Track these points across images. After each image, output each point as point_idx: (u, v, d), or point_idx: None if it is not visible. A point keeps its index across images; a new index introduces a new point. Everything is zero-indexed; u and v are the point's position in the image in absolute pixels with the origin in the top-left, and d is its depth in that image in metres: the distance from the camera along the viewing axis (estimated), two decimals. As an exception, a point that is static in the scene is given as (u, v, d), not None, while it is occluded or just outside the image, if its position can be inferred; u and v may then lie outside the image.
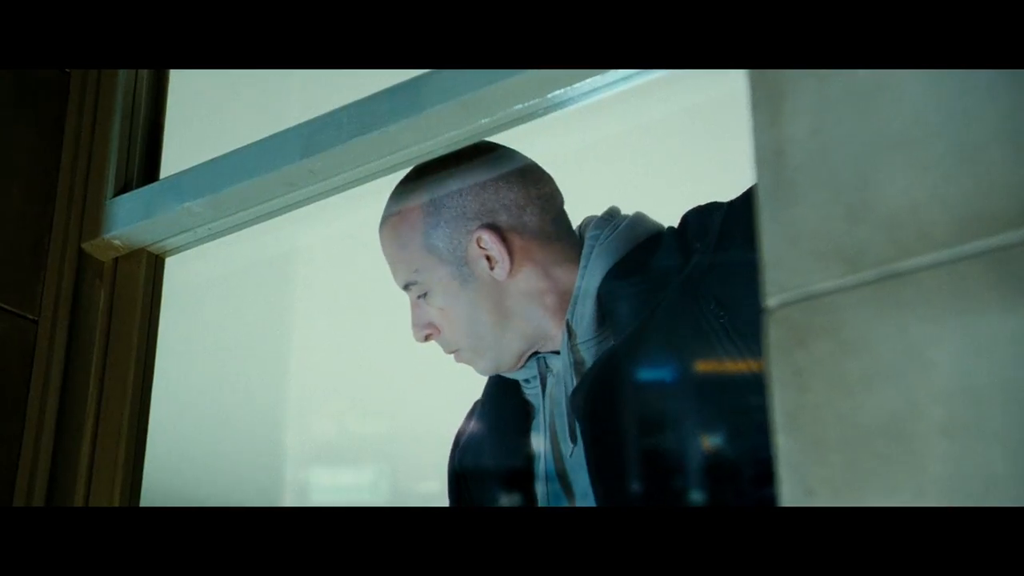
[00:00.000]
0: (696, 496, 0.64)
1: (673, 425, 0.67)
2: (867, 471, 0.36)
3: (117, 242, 0.85)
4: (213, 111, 1.14)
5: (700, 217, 0.71)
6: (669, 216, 0.76)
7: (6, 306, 0.81)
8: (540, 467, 0.76)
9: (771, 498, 0.38)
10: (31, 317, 0.83)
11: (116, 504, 0.79)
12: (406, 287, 0.78)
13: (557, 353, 0.75)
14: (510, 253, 0.74)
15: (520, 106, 0.67)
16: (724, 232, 0.67)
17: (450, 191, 0.76)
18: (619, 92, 0.66)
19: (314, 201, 0.80)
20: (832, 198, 0.40)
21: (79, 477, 0.79)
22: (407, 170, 0.79)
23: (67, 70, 0.88)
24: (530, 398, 0.79)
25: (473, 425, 0.82)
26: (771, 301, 0.40)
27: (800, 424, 0.38)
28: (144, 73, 0.90)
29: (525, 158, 0.79)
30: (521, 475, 0.76)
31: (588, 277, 0.74)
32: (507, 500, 0.77)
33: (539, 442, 0.76)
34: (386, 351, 1.44)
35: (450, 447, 0.83)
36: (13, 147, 0.85)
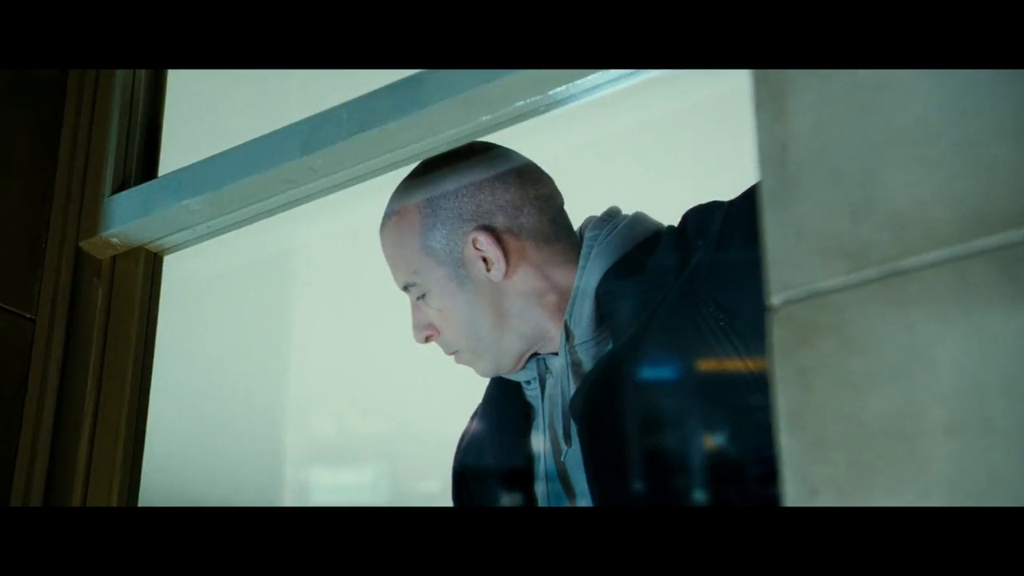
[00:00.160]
0: (696, 497, 0.64)
1: (672, 427, 0.67)
2: (871, 470, 0.36)
3: (115, 240, 0.85)
4: (212, 108, 1.14)
5: (700, 216, 0.71)
6: (671, 214, 0.76)
7: (3, 305, 0.81)
8: (540, 468, 0.75)
9: (774, 498, 0.38)
10: (28, 316, 0.83)
11: (114, 504, 0.79)
12: (405, 288, 0.78)
13: (557, 354, 0.75)
14: (506, 254, 0.74)
15: (521, 103, 0.67)
16: (724, 232, 0.67)
17: (446, 192, 0.76)
18: (621, 89, 0.66)
19: (314, 199, 0.79)
20: (836, 196, 0.39)
21: (77, 477, 0.79)
22: (408, 168, 0.78)
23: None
24: (530, 400, 0.79)
25: (475, 427, 0.82)
26: (775, 299, 0.40)
27: (804, 423, 0.38)
28: (142, 71, 0.90)
29: (522, 158, 0.79)
30: (521, 476, 0.76)
31: (587, 277, 0.74)
32: (508, 500, 0.77)
33: (539, 443, 0.76)
34: (386, 350, 1.44)
35: (454, 448, 0.83)
36: (10, 145, 0.85)
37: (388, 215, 0.79)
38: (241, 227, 0.83)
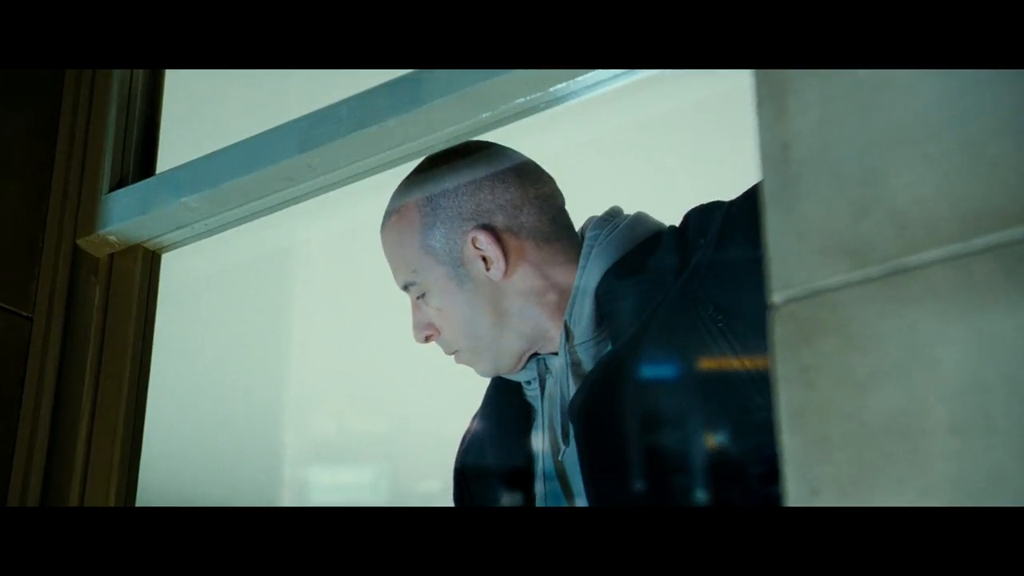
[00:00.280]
0: (695, 497, 0.64)
1: (671, 427, 0.67)
2: (874, 469, 0.36)
3: (112, 238, 0.85)
4: (210, 105, 1.13)
5: (701, 216, 0.71)
6: (672, 212, 0.75)
7: (0, 303, 0.81)
8: (539, 467, 0.75)
9: (775, 498, 0.38)
10: (25, 314, 0.83)
11: (112, 504, 0.78)
12: (405, 287, 0.78)
13: (556, 354, 0.75)
14: (506, 254, 0.74)
15: (522, 100, 0.67)
16: (724, 232, 0.67)
17: (446, 191, 0.75)
18: (622, 86, 0.66)
19: (313, 196, 0.79)
20: (838, 193, 0.39)
21: (74, 476, 0.79)
22: (407, 166, 0.78)
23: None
24: (530, 400, 0.79)
25: (476, 427, 0.82)
26: (777, 297, 0.39)
27: (806, 422, 0.38)
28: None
29: (523, 157, 0.79)
30: (522, 476, 0.76)
31: (587, 276, 0.73)
32: (508, 500, 0.77)
33: (539, 443, 0.75)
34: (386, 348, 1.44)
35: (454, 448, 0.83)
36: (7, 142, 0.85)
37: (388, 214, 0.79)
38: (239, 225, 0.83)
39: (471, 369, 0.79)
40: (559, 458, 0.73)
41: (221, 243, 0.85)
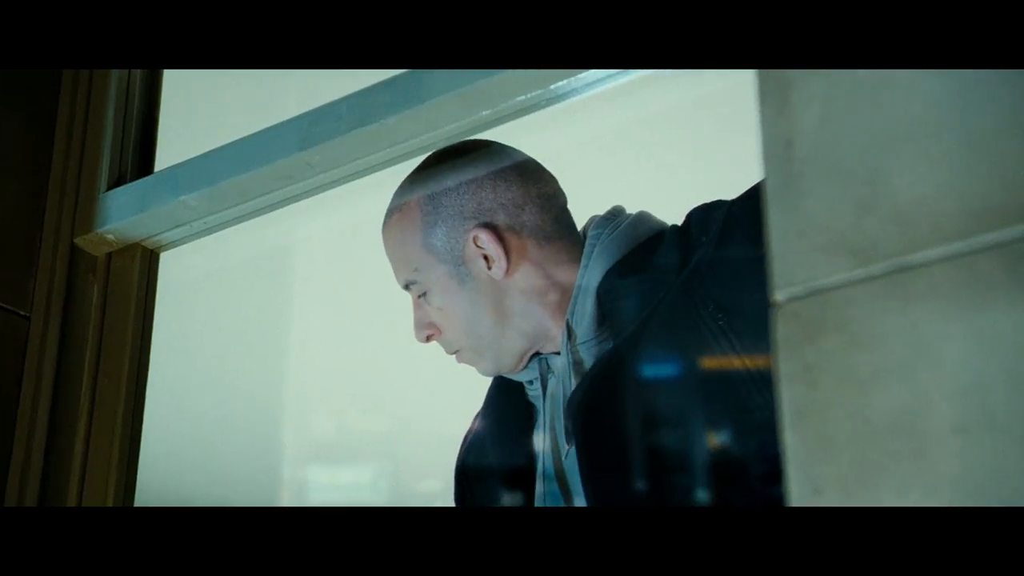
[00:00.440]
0: (696, 497, 0.64)
1: (671, 426, 0.67)
2: (877, 468, 0.36)
3: (110, 236, 0.84)
4: (209, 102, 1.13)
5: (704, 215, 0.71)
6: (673, 209, 0.75)
7: (-2, 302, 0.80)
8: (540, 467, 0.75)
9: (777, 497, 0.37)
10: (23, 313, 0.82)
11: (110, 504, 0.78)
12: (406, 286, 0.78)
13: (559, 354, 0.75)
14: (507, 252, 0.74)
15: (522, 97, 0.67)
16: (725, 231, 0.67)
17: (447, 189, 0.75)
18: (623, 83, 0.66)
19: (312, 194, 0.79)
20: (841, 190, 0.39)
21: (72, 476, 0.79)
22: (407, 164, 0.78)
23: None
24: (532, 400, 0.79)
25: (477, 426, 0.82)
26: (779, 295, 0.39)
27: (808, 421, 0.37)
28: (138, 66, 0.89)
29: (525, 156, 0.78)
30: (523, 476, 0.75)
31: (588, 275, 0.73)
32: (509, 500, 0.76)
33: (540, 442, 0.75)
34: (387, 347, 1.44)
35: (455, 447, 0.83)
36: (3, 139, 0.84)
37: (390, 212, 0.79)
38: (238, 223, 0.83)
39: (472, 369, 0.79)
40: (563, 459, 0.72)
41: (220, 241, 0.85)
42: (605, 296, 0.72)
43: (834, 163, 0.39)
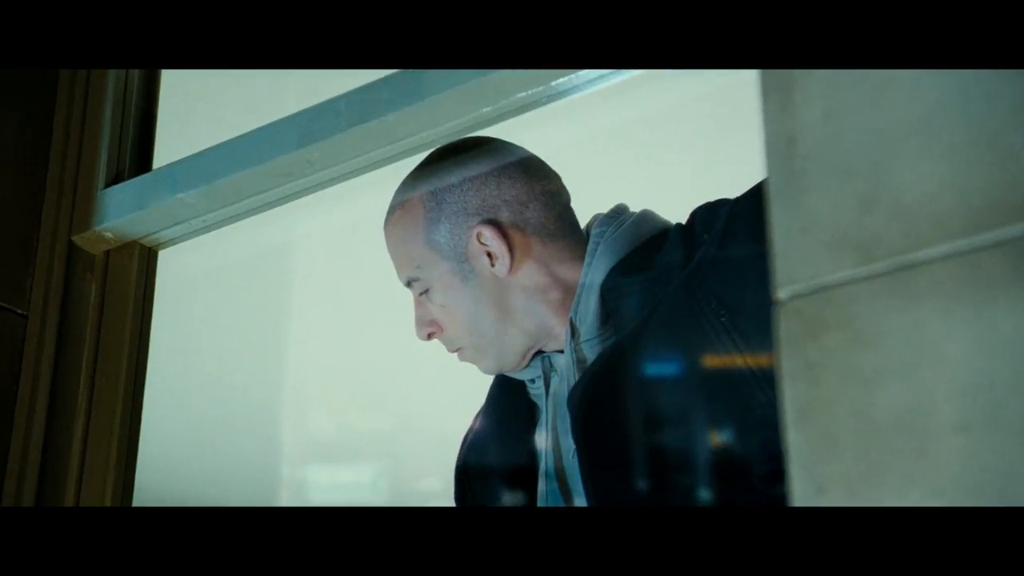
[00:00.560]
0: (697, 496, 0.63)
1: (671, 424, 0.66)
2: (881, 467, 0.35)
3: (108, 234, 0.84)
4: (207, 99, 1.12)
5: (707, 213, 0.70)
6: (675, 207, 0.75)
7: (-5, 301, 0.80)
8: (543, 466, 0.75)
9: (780, 497, 0.37)
10: (20, 312, 0.82)
11: (108, 504, 0.78)
12: (408, 283, 0.78)
13: (562, 352, 0.75)
14: (511, 249, 0.74)
15: (523, 95, 0.66)
16: (728, 228, 0.67)
17: (451, 185, 0.75)
18: (624, 80, 0.65)
19: (312, 192, 0.79)
20: (844, 187, 0.39)
21: (70, 476, 0.78)
22: (407, 161, 0.77)
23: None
24: (535, 398, 0.78)
25: (478, 425, 0.81)
26: (782, 293, 0.39)
27: (811, 419, 0.37)
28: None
29: (529, 153, 0.78)
30: (524, 475, 0.75)
31: (592, 273, 0.73)
32: (510, 500, 0.76)
33: (542, 441, 0.75)
34: (387, 345, 1.43)
35: (455, 446, 0.82)
36: (1, 136, 0.84)
37: (392, 208, 0.78)
38: (237, 221, 0.82)
39: (474, 367, 0.78)
40: (570, 458, 0.72)
41: (219, 239, 0.85)
42: (609, 294, 0.71)
43: (837, 160, 0.39)
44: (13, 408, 0.80)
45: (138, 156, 0.87)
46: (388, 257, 0.79)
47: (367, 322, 1.62)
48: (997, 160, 0.36)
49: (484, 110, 0.67)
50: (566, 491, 0.73)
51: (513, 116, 0.69)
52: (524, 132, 0.76)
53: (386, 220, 0.78)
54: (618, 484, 0.66)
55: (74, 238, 0.84)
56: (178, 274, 0.89)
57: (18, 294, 0.82)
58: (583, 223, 0.78)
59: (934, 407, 0.35)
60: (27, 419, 0.80)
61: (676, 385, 0.65)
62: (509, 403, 0.79)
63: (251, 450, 1.83)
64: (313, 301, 1.63)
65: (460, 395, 0.87)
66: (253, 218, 0.82)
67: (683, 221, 0.73)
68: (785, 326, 0.38)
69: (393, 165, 0.77)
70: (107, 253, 0.85)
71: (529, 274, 0.74)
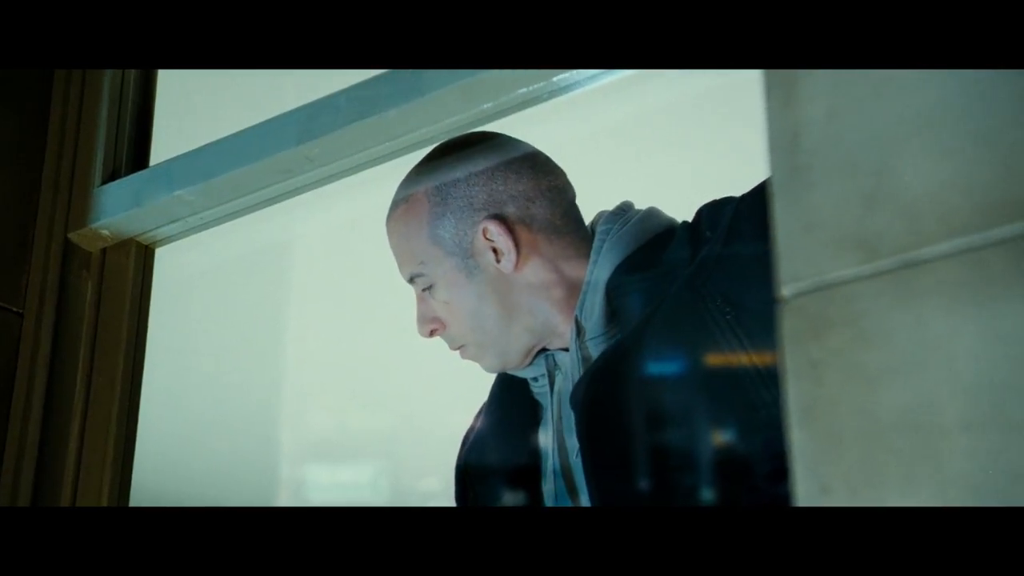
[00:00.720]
0: (700, 495, 0.63)
1: (675, 422, 0.66)
2: (885, 467, 0.35)
3: (105, 232, 0.84)
4: (205, 95, 1.12)
5: (713, 211, 0.70)
6: (677, 204, 0.74)
7: (-9, 299, 0.80)
8: (547, 466, 0.74)
9: (783, 496, 0.37)
10: (16, 310, 0.82)
11: (104, 504, 0.78)
12: (411, 280, 0.77)
13: (566, 350, 0.74)
14: (517, 245, 0.73)
15: (524, 90, 0.66)
16: (733, 226, 0.67)
17: (457, 180, 0.74)
18: (626, 76, 0.65)
19: (311, 189, 0.78)
20: (849, 184, 0.38)
21: (66, 476, 0.78)
22: (407, 157, 0.77)
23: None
24: (538, 397, 0.78)
25: (480, 424, 0.81)
26: (785, 291, 0.38)
27: (815, 418, 0.37)
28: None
29: (535, 149, 0.77)
30: (528, 474, 0.75)
31: (597, 271, 0.73)
32: (513, 499, 0.76)
33: (546, 440, 0.75)
34: (387, 343, 1.43)
35: (456, 445, 0.82)
36: (-3, 134, 0.83)
37: (395, 204, 0.78)
38: (235, 218, 0.82)
39: (476, 365, 0.78)
40: (574, 456, 0.72)
41: (216, 237, 0.84)
42: (614, 292, 0.71)
43: (841, 157, 0.39)
44: (9, 407, 0.80)
45: (135, 152, 0.87)
46: (388, 254, 0.78)
47: (367, 320, 1.61)
48: (1001, 157, 0.36)
49: (485, 106, 0.67)
50: (573, 490, 0.72)
51: (514, 112, 0.69)
52: (525, 128, 0.75)
53: (389, 216, 0.78)
54: (622, 483, 0.65)
55: (70, 235, 0.84)
56: (175, 272, 0.89)
57: (14, 292, 0.82)
58: (587, 220, 0.78)
59: (939, 406, 0.35)
60: (23, 418, 0.79)
61: (680, 383, 0.65)
62: (512, 402, 0.79)
63: (249, 449, 1.83)
64: (312, 299, 1.63)
65: (461, 394, 0.86)
66: (251, 215, 0.82)
67: (689, 219, 0.73)
68: (789, 324, 0.38)
69: (393, 162, 0.76)
70: (103, 251, 0.85)
71: (535, 271, 0.73)
